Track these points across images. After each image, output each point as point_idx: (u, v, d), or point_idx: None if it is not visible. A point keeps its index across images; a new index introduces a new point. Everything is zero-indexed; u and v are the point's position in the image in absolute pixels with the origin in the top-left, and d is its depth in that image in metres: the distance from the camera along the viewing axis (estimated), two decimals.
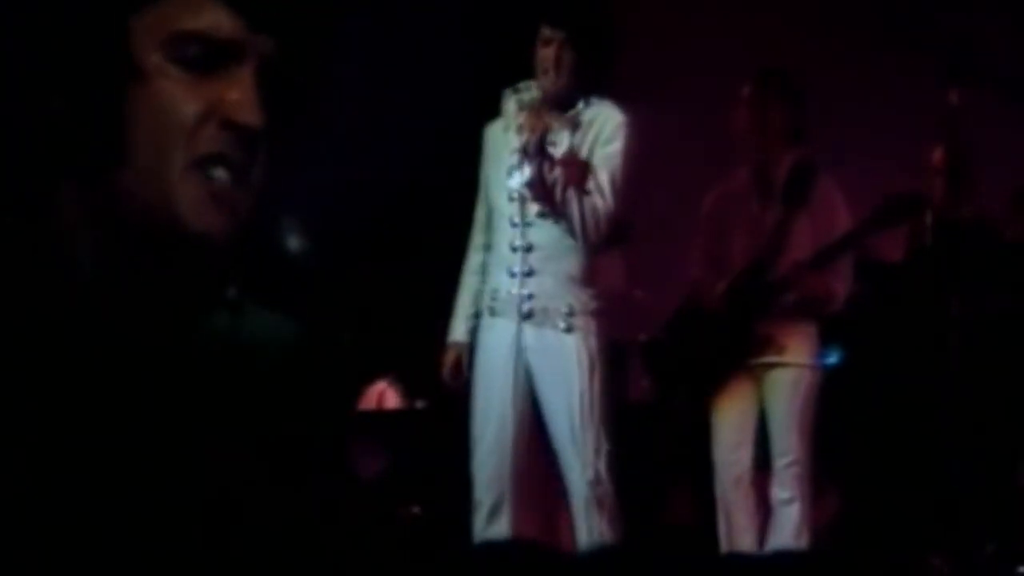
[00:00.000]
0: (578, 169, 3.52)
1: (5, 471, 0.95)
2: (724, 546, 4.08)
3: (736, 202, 4.16)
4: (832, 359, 4.81)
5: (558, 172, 3.52)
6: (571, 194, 3.52)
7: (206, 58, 1.03)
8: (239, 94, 1.03)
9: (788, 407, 4.03)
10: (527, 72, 3.66)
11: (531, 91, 3.65)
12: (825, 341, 4.40)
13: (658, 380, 4.55)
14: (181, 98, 1.02)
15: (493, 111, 3.76)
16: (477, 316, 3.78)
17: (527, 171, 3.54)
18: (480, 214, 3.80)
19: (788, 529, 3.96)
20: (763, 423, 4.07)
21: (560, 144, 3.58)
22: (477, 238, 3.81)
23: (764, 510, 4.06)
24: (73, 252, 1.04)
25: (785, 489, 3.98)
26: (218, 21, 1.03)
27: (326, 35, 1.12)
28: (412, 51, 4.87)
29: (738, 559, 3.92)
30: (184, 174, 1.02)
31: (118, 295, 1.04)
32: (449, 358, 3.80)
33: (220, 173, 1.03)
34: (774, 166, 4.11)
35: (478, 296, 3.78)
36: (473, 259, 3.81)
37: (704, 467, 4.19)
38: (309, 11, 1.09)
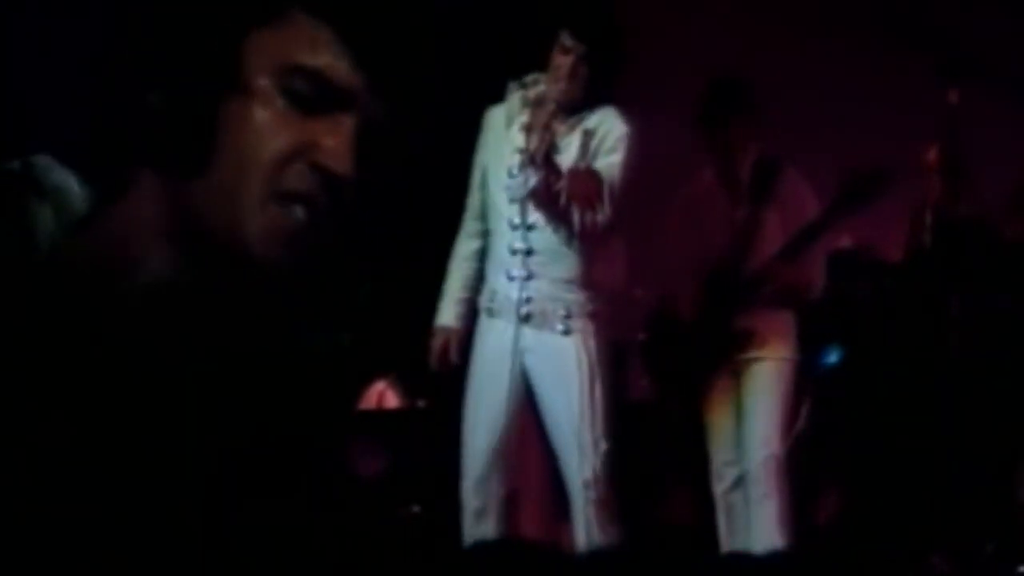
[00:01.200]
0: (588, 181, 3.51)
1: (39, 472, 0.95)
2: (724, 546, 4.09)
3: (704, 203, 4.18)
4: (832, 359, 4.82)
5: (564, 183, 3.51)
6: (574, 206, 3.52)
7: (315, 97, 1.01)
8: (337, 142, 1.01)
9: (769, 400, 4.04)
10: (528, 59, 3.67)
11: (537, 86, 3.64)
12: (825, 341, 4.40)
13: (654, 380, 4.55)
14: (279, 128, 1.00)
15: (492, 96, 3.76)
16: (467, 302, 3.79)
17: (532, 179, 3.54)
18: (474, 201, 3.80)
19: (766, 526, 3.96)
20: (737, 418, 4.08)
21: (565, 150, 3.58)
22: (469, 225, 3.81)
23: None
24: (139, 248, 1.03)
25: (760, 485, 3.98)
26: (337, 64, 1.01)
27: (430, 102, 1.10)
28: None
29: (738, 559, 3.92)
30: (262, 203, 1.00)
31: (173, 295, 1.04)
32: (437, 342, 3.80)
33: (299, 212, 1.01)
34: (738, 165, 4.13)
35: (468, 281, 3.79)
36: (464, 245, 3.82)
37: (704, 467, 4.20)
38: (425, 78, 1.07)
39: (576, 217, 3.52)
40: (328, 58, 1.01)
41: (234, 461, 1.03)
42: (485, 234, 3.78)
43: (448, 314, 3.81)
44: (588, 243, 3.58)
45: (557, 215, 3.55)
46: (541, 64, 3.64)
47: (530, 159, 3.50)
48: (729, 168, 4.14)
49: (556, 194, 3.51)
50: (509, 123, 3.69)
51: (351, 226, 1.06)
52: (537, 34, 3.63)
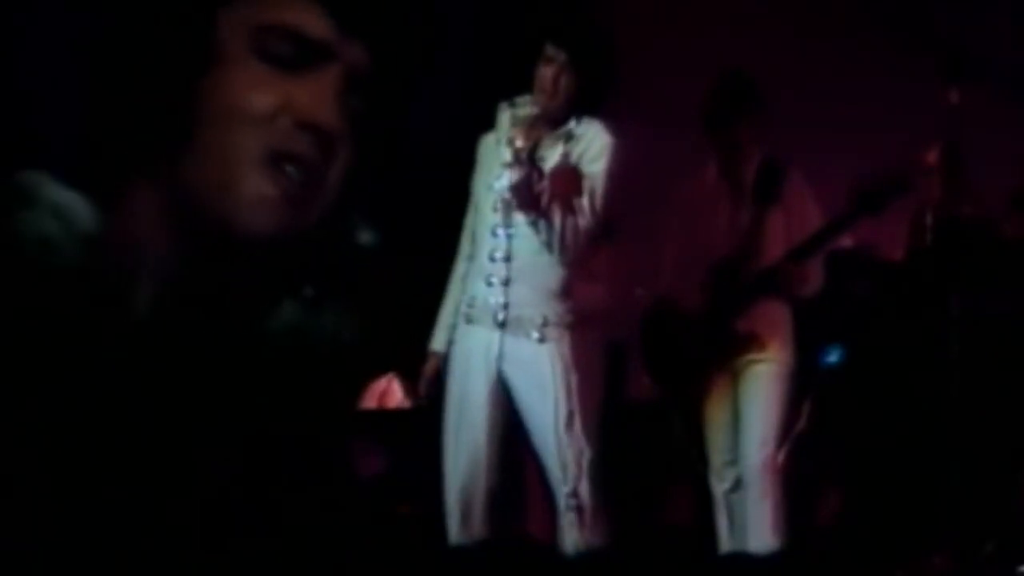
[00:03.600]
0: (570, 179, 3.52)
1: (57, 467, 0.95)
2: (725, 546, 4.09)
3: (706, 202, 4.18)
4: (833, 358, 4.82)
5: (546, 183, 3.52)
6: (555, 206, 3.52)
7: (291, 55, 1.01)
8: (318, 96, 1.01)
9: (767, 402, 4.04)
10: (524, 84, 3.68)
11: (526, 106, 3.67)
12: (826, 340, 4.40)
13: (654, 379, 4.55)
14: (258, 89, 1.00)
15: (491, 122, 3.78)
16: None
17: (513, 176, 3.55)
18: (468, 222, 3.81)
19: (762, 527, 3.96)
20: (736, 418, 4.09)
21: (548, 160, 3.59)
22: (466, 247, 3.82)
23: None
24: (144, 244, 1.02)
25: (756, 486, 3.99)
26: (310, 18, 1.01)
27: (418, 50, 1.08)
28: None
29: (737, 559, 3.92)
30: (252, 166, 0.99)
31: (184, 289, 1.02)
32: (429, 368, 3.82)
33: (291, 170, 1.00)
34: (742, 166, 4.13)
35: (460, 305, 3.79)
36: (460, 267, 3.82)
37: (704, 467, 4.20)
38: (404, 24, 1.06)
39: (557, 218, 3.52)
40: (299, 13, 1.00)
41: (234, 460, 1.02)
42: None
43: (439, 339, 3.82)
44: (569, 248, 3.56)
45: (537, 215, 3.55)
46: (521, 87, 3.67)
47: (515, 157, 3.51)
48: (733, 168, 4.14)
49: (538, 194, 3.52)
50: (498, 141, 3.71)
51: (352, 182, 1.04)
52: (529, 55, 3.64)
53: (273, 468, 1.05)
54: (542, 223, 3.54)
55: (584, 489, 3.58)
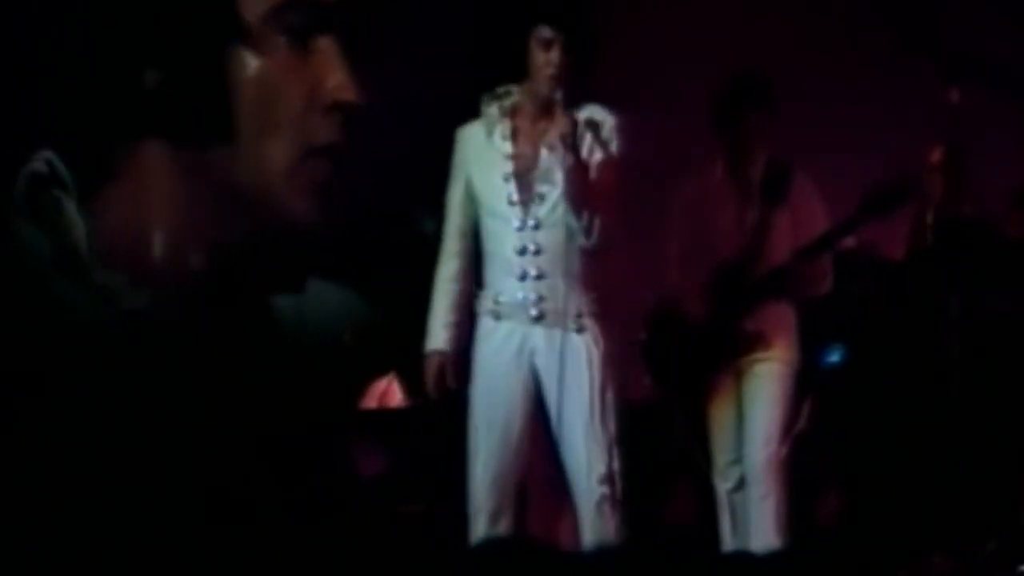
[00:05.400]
0: (607, 175, 3.52)
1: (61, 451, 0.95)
2: (727, 545, 4.09)
3: (712, 200, 4.18)
4: (834, 358, 4.82)
5: (592, 172, 3.52)
6: (595, 194, 3.52)
7: (307, 25, 0.99)
8: (337, 73, 1.00)
9: (771, 401, 4.05)
10: (499, 74, 3.67)
11: (512, 95, 3.65)
12: (827, 340, 4.40)
13: (656, 380, 4.55)
14: (287, 77, 0.99)
15: (468, 113, 3.75)
16: (456, 325, 3.76)
17: (568, 163, 3.51)
18: (454, 220, 3.77)
19: (765, 526, 3.97)
20: (741, 417, 4.09)
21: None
22: (451, 244, 3.77)
23: None
24: (163, 223, 1.01)
25: (759, 485, 3.99)
26: None
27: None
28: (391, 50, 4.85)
29: (738, 558, 3.92)
30: (292, 164, 0.99)
31: (204, 276, 1.02)
32: (432, 367, 3.77)
33: (328, 160, 1.00)
34: (750, 166, 4.13)
35: (455, 304, 3.76)
36: (448, 266, 3.77)
37: (705, 466, 4.20)
38: None
39: (596, 208, 3.52)
40: None
41: (236, 458, 1.03)
42: (467, 253, 3.76)
43: (439, 338, 3.76)
44: (606, 234, 3.56)
45: (583, 204, 3.52)
46: (506, 76, 3.65)
47: (561, 142, 3.49)
48: (741, 167, 4.14)
49: (583, 182, 3.51)
50: (490, 134, 3.67)
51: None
52: (503, 46, 3.64)
53: (273, 467, 1.05)
54: (585, 211, 3.52)
55: (616, 479, 3.57)
